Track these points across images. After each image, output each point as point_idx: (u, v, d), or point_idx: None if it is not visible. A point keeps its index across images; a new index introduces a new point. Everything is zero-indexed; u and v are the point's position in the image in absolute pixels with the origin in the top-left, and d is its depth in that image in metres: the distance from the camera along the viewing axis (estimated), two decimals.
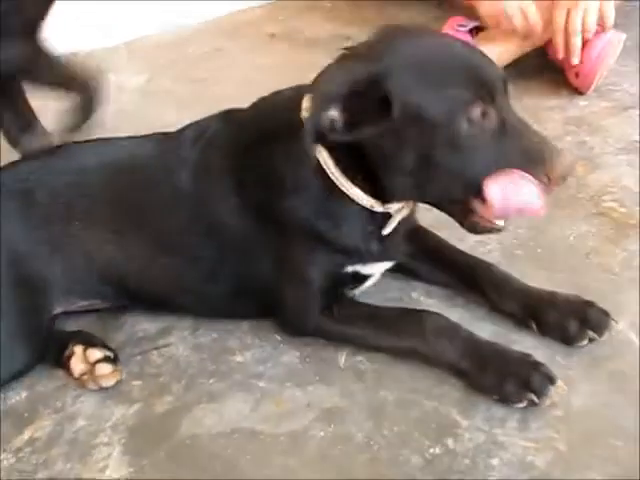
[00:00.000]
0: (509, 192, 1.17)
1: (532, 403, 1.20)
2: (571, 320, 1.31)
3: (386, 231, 1.34)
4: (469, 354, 1.25)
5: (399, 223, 1.35)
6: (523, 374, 1.21)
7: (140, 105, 2.38)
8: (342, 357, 1.36)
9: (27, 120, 1.80)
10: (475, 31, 2.25)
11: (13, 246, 1.39)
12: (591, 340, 1.31)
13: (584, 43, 2.09)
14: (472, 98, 1.15)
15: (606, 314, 1.32)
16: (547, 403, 1.21)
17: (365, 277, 1.40)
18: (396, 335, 1.31)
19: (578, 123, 2.04)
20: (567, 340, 1.31)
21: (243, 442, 1.22)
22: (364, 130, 1.17)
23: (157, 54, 2.76)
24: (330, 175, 1.26)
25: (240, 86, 2.31)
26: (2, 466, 1.22)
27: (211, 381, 1.34)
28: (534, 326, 1.34)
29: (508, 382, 1.21)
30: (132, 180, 1.44)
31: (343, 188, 1.27)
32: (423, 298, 1.47)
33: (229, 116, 1.44)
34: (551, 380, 1.21)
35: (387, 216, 1.32)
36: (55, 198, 1.43)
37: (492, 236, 1.59)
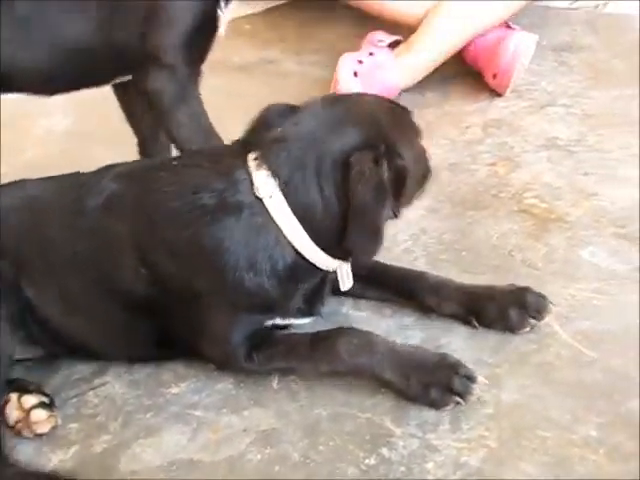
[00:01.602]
0: None
1: (458, 403, 1.23)
2: (511, 309, 1.36)
3: (345, 286, 1.40)
4: (390, 366, 1.27)
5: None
6: (444, 379, 1.24)
7: (70, 146, 2.38)
8: (275, 379, 1.37)
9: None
10: (394, 45, 2.28)
11: None
12: (532, 327, 1.35)
13: (498, 42, 2.15)
14: None
15: (543, 297, 1.36)
16: (473, 399, 1.24)
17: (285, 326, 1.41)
18: (315, 362, 1.32)
19: (498, 124, 2.08)
20: (510, 328, 1.35)
21: (182, 473, 1.23)
22: None
23: (82, 93, 2.75)
24: (294, 244, 1.28)
25: None
26: None
27: (148, 415, 1.35)
28: (475, 322, 1.38)
29: (432, 389, 1.24)
30: (39, 228, 1.42)
31: (306, 252, 1.29)
32: (352, 311, 1.49)
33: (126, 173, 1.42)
34: (471, 379, 1.24)
35: (320, 276, 1.37)
36: None
37: (417, 244, 1.63)
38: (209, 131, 1.70)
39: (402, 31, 2.29)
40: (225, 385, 1.38)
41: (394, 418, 1.25)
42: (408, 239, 1.66)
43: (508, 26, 2.24)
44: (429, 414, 1.25)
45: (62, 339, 1.44)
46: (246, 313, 1.32)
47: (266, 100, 2.17)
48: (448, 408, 1.24)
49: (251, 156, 1.31)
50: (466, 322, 1.39)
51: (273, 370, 1.36)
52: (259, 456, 1.23)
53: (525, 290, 1.37)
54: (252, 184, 1.28)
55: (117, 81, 1.78)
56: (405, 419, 1.25)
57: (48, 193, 1.47)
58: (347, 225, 1.25)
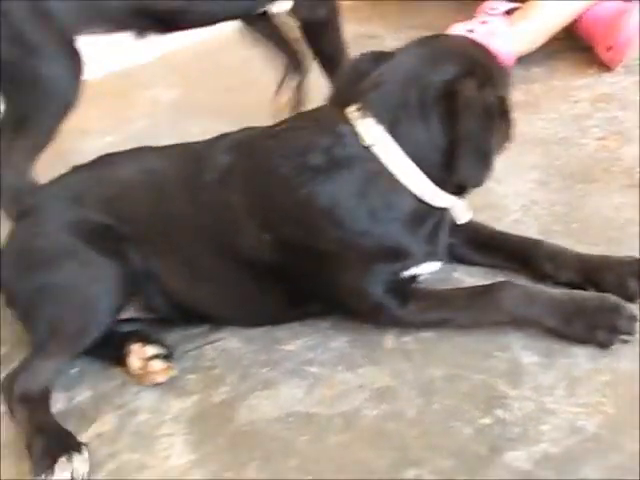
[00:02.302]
0: None
1: (624, 342, 1.27)
2: (629, 278, 1.36)
3: (463, 219, 1.41)
4: (551, 312, 1.29)
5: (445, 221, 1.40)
6: (609, 320, 1.27)
7: (175, 117, 2.44)
8: (389, 339, 1.40)
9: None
10: (509, 13, 2.26)
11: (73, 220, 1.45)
12: None
13: (619, 14, 2.12)
14: None
15: None
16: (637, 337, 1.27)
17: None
18: (475, 313, 1.34)
19: (608, 99, 2.05)
20: (628, 298, 1.34)
21: (299, 424, 1.27)
22: None
23: (188, 66, 2.82)
24: (409, 186, 1.30)
25: (270, 94, 2.36)
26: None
27: (264, 370, 1.39)
28: (593, 291, 1.37)
29: (598, 330, 1.27)
30: (164, 201, 1.46)
31: (422, 192, 1.31)
32: (466, 277, 1.50)
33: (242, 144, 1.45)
34: (634, 318, 1.27)
35: (438, 216, 1.37)
36: (104, 202, 1.47)
37: (528, 214, 1.63)
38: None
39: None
40: (340, 343, 1.41)
41: (508, 381, 1.27)
42: (518, 210, 1.66)
43: None
44: (545, 378, 1.26)
45: (182, 306, 1.48)
46: (378, 264, 1.33)
47: None
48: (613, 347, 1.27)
49: (351, 108, 1.33)
50: (582, 290, 1.38)
51: (428, 322, 1.37)
52: (374, 412, 1.26)
53: None
54: (357, 135, 1.30)
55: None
56: (519, 382, 1.26)
57: (166, 167, 1.50)
58: (455, 154, 1.26)
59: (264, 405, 1.32)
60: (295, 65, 2.20)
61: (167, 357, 1.43)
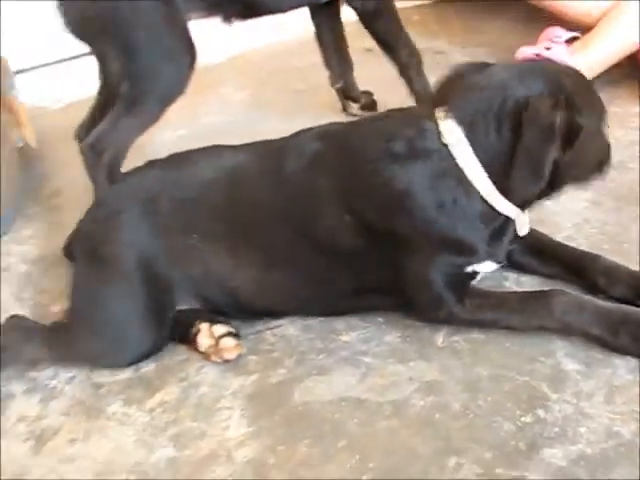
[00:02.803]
0: None
1: None
2: None
3: (522, 232, 1.50)
4: (598, 322, 1.37)
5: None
6: None
7: (244, 116, 2.55)
8: (440, 337, 1.48)
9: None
10: (570, 41, 2.34)
11: (139, 247, 1.53)
12: None
13: None
14: None
15: None
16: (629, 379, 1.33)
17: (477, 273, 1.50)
18: (526, 316, 1.42)
19: None
20: None
21: (350, 409, 1.36)
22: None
23: (259, 67, 2.94)
24: (476, 187, 1.39)
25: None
26: (138, 422, 1.39)
27: (320, 357, 1.48)
28: None
29: None
30: (242, 195, 1.54)
31: (487, 195, 1.40)
32: (515, 287, 1.58)
33: (330, 132, 1.55)
34: None
35: (503, 222, 1.46)
36: (176, 209, 1.54)
37: (580, 232, 1.70)
38: None
39: (578, 29, 2.35)
40: (393, 338, 1.50)
41: (551, 384, 1.34)
42: (571, 227, 1.73)
43: None
44: (585, 385, 1.33)
45: (246, 302, 1.56)
46: (442, 254, 1.42)
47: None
48: None
49: (440, 108, 1.43)
50: (635, 306, 1.44)
51: (480, 321, 1.46)
52: (422, 402, 1.35)
53: None
54: (439, 132, 1.40)
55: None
56: (561, 387, 1.34)
57: (243, 163, 1.57)
58: (512, 163, 1.35)
59: (319, 388, 1.41)
60: (345, 71, 2.38)
61: (236, 335, 1.52)
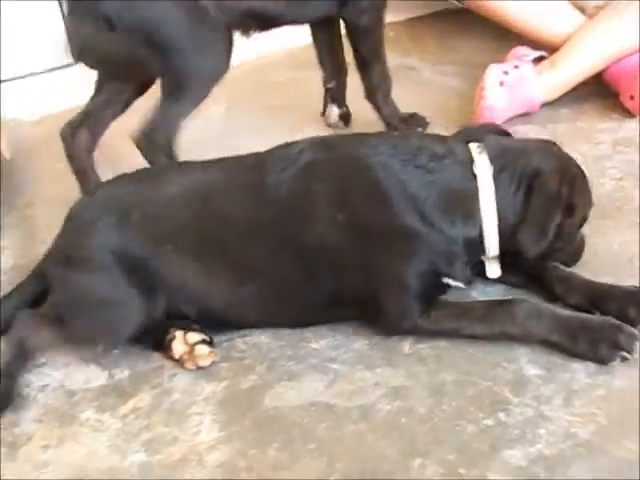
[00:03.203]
0: None
1: (624, 359, 1.39)
2: (630, 307, 1.49)
3: (491, 275, 1.61)
4: (558, 328, 1.44)
5: None
6: (611, 336, 1.41)
7: (221, 131, 2.59)
8: (406, 344, 1.53)
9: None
10: (537, 60, 2.41)
11: (113, 250, 1.56)
12: None
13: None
14: None
15: None
16: (636, 357, 1.40)
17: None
18: (489, 323, 1.48)
19: (628, 143, 2.18)
20: (629, 324, 1.45)
21: (319, 413, 1.40)
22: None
23: (236, 83, 2.96)
24: (482, 215, 1.50)
25: (317, 113, 2.51)
26: (112, 428, 1.41)
27: (290, 363, 1.52)
28: (598, 315, 1.50)
29: (600, 346, 1.40)
30: (215, 207, 1.58)
31: (487, 231, 1.51)
32: (482, 296, 1.63)
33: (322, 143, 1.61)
34: (635, 337, 1.41)
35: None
36: (148, 222, 1.58)
37: None
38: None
39: (546, 49, 2.42)
40: (361, 345, 1.54)
41: (512, 389, 1.39)
42: None
43: None
44: (546, 389, 1.38)
45: (217, 314, 1.60)
46: (421, 262, 1.49)
47: (405, 103, 2.36)
48: (614, 363, 1.40)
49: (473, 144, 1.54)
50: (590, 313, 1.50)
51: (443, 331, 1.51)
52: (388, 407, 1.39)
53: None
54: (471, 160, 1.50)
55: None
56: (522, 391, 1.38)
57: (216, 177, 1.62)
58: (521, 223, 1.49)
59: (288, 394, 1.45)
60: (339, 73, 2.44)
61: (209, 343, 1.56)
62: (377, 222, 1.49)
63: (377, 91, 2.29)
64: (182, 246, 1.57)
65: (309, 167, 1.55)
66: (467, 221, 1.49)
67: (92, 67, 2.04)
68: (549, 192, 1.48)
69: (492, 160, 1.50)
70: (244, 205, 1.56)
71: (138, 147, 1.98)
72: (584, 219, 1.59)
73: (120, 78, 2.06)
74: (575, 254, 1.65)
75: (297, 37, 2.76)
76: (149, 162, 1.97)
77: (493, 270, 1.60)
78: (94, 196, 1.73)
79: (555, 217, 1.48)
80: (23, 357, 1.55)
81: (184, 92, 1.96)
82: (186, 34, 1.90)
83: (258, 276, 1.56)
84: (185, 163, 1.73)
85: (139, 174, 1.72)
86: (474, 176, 1.49)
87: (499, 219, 1.49)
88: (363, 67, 2.28)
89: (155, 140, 1.95)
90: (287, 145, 1.61)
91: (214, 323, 1.61)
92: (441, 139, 1.58)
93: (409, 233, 1.48)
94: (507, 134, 1.69)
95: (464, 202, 1.50)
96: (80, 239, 1.60)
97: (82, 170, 2.08)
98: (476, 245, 1.52)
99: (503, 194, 1.49)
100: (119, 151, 2.21)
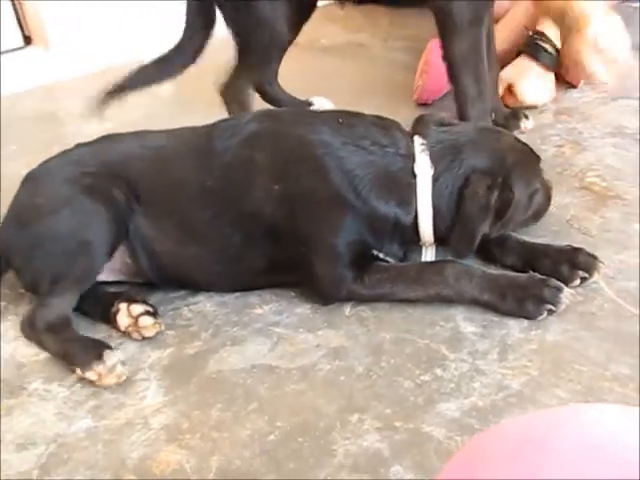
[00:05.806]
0: None
1: (551, 312, 1.45)
2: (563, 265, 1.53)
3: (425, 259, 1.63)
4: (488, 288, 1.48)
5: None
6: (536, 292, 1.45)
7: (171, 110, 2.61)
8: (347, 307, 1.56)
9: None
10: None
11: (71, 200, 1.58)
12: (583, 279, 1.52)
13: None
14: None
15: (594, 257, 1.54)
16: (562, 308, 1.45)
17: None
18: (422, 286, 1.52)
19: (570, 112, 2.23)
20: (562, 281, 1.49)
21: (261, 375, 1.43)
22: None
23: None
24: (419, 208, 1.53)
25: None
26: (59, 397, 1.43)
27: (234, 329, 1.55)
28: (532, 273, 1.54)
29: (526, 302, 1.45)
30: (165, 170, 1.63)
31: (422, 220, 1.54)
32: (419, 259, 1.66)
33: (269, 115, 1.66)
34: (560, 289, 1.45)
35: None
36: (102, 180, 1.60)
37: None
38: (481, 63, 1.94)
39: None
40: (303, 310, 1.58)
41: (449, 346, 1.43)
42: None
43: None
44: (481, 345, 1.42)
45: (166, 270, 1.64)
46: (351, 232, 1.52)
47: (355, 80, 2.38)
48: (541, 317, 1.45)
49: (418, 139, 1.55)
50: (523, 272, 1.54)
51: (379, 296, 1.54)
52: (328, 366, 1.42)
53: (578, 250, 1.55)
54: (414, 160, 1.52)
55: None
56: (459, 347, 1.43)
57: (171, 141, 1.67)
58: (454, 226, 1.52)
59: (232, 358, 1.48)
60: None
61: (153, 314, 1.58)
62: (312, 193, 1.52)
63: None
64: (135, 199, 1.60)
65: (253, 137, 1.58)
66: (401, 206, 1.52)
67: None
68: (477, 203, 1.50)
69: (433, 161, 1.52)
70: (193, 168, 1.60)
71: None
72: (533, 194, 1.60)
73: None
74: (536, 215, 1.68)
75: None
76: (228, 112, 2.15)
77: (428, 255, 1.63)
78: (46, 162, 1.73)
79: (483, 226, 1.51)
80: None
81: (252, 57, 2.13)
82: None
83: (203, 238, 1.59)
84: (143, 130, 1.75)
85: (98, 139, 1.74)
86: (414, 175, 1.52)
87: (435, 215, 1.53)
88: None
89: (232, 96, 2.16)
90: (238, 115, 1.64)
91: (163, 279, 1.66)
92: (387, 131, 1.57)
93: (341, 205, 1.50)
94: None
95: (400, 190, 1.52)
96: (37, 189, 1.63)
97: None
98: (409, 231, 1.55)
99: (439, 194, 1.52)
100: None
